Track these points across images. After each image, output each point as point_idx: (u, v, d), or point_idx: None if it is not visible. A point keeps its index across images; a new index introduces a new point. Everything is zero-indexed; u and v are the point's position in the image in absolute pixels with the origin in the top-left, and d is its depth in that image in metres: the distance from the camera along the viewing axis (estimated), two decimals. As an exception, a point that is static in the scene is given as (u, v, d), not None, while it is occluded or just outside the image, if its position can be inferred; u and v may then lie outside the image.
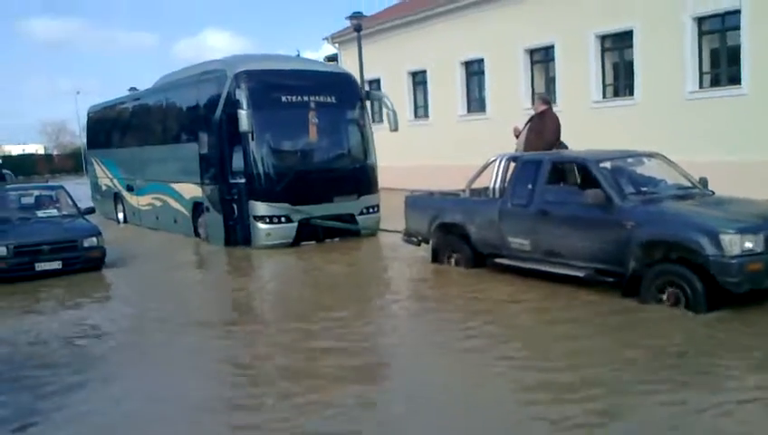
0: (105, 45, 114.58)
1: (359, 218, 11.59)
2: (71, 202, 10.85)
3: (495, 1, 17.43)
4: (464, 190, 8.81)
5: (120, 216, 16.46)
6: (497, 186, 8.11)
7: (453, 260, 8.67)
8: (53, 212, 10.56)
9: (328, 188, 11.27)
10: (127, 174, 15.82)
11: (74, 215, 10.57)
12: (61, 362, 5.80)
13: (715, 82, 13.37)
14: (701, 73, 13.40)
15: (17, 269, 9.17)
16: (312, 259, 10.17)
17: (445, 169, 15.11)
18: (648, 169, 7.47)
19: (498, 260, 8.02)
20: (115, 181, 16.63)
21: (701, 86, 13.41)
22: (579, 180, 7.55)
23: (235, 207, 11.33)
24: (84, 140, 61.19)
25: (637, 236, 6.36)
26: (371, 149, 12.00)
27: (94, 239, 9.75)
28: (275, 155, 11.09)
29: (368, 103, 12.40)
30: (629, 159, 7.51)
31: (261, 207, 10.87)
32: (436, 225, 8.76)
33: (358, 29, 16.34)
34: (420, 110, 20.81)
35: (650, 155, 7.61)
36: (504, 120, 16.53)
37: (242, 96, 10.47)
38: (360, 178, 11.71)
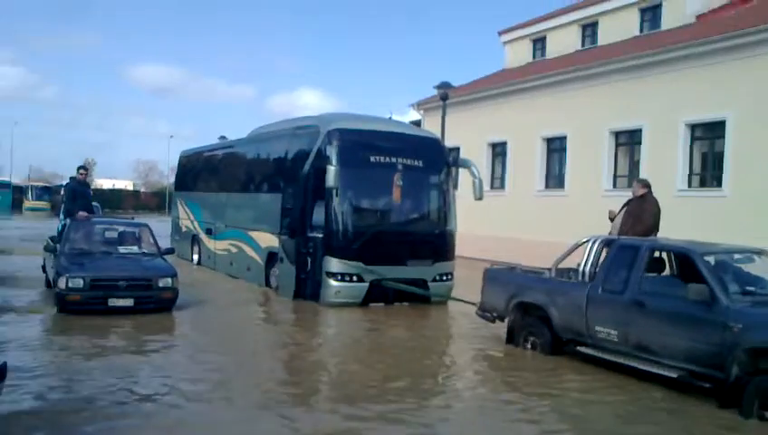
0: (204, 95, 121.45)
1: (431, 285, 11.31)
2: (152, 241, 10.84)
3: (584, 80, 17.45)
4: (549, 269, 8.41)
5: (195, 257, 16.79)
6: (587, 269, 7.67)
7: (530, 343, 8.20)
8: (134, 249, 10.59)
9: (403, 250, 11.10)
10: (208, 218, 16.21)
11: (154, 254, 10.54)
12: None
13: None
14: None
15: (91, 303, 9.12)
16: (380, 325, 9.91)
17: (518, 242, 14.87)
18: (756, 267, 6.89)
19: (580, 348, 7.50)
20: (195, 223, 17.06)
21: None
22: (678, 272, 7.05)
23: (309, 260, 11.28)
24: (171, 181, 63.81)
25: (743, 340, 5.79)
26: (452, 216, 11.80)
27: (169, 280, 9.64)
28: (356, 213, 11.06)
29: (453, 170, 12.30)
30: (736, 255, 6.97)
31: (335, 264, 10.77)
32: (515, 303, 8.35)
33: (444, 98, 16.75)
34: (497, 181, 20.70)
35: (759, 252, 7.05)
36: (582, 200, 16.99)
37: (332, 152, 10.59)
38: (437, 244, 11.50)
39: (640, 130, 15.95)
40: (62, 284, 9.01)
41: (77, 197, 11.40)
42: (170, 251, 11.59)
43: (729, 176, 13.89)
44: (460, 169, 13.83)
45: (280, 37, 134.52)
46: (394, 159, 11.16)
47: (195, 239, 16.99)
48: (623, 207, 9.09)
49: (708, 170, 14.75)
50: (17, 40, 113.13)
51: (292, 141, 12.34)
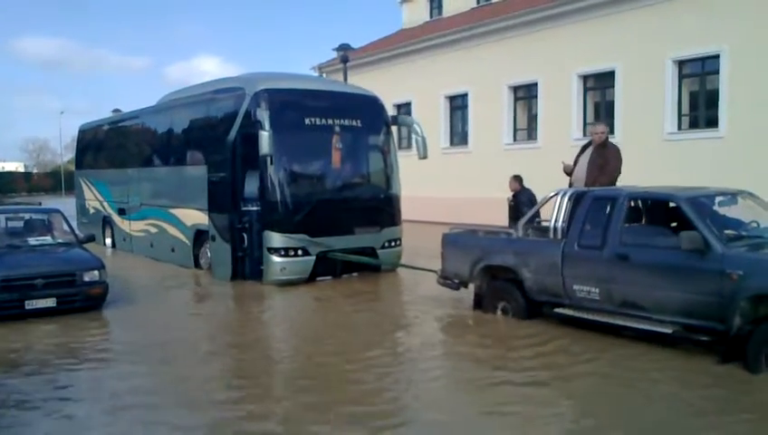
0: (96, 67, 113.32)
1: (380, 252, 10.60)
2: (67, 228, 9.38)
3: (481, 37, 17.68)
4: (514, 229, 7.88)
5: (108, 241, 15.30)
6: (559, 225, 7.17)
7: (500, 308, 7.68)
8: (47, 239, 8.98)
9: (349, 219, 10.31)
10: (119, 197, 14.69)
11: (71, 243, 9.04)
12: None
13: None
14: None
15: (5, 307, 7.65)
16: (337, 301, 9.10)
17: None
18: (740, 209, 6.60)
19: (558, 310, 7.06)
20: (105, 204, 15.47)
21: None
22: (659, 222, 6.67)
23: (245, 236, 10.28)
24: (66, 160, 59.51)
25: (745, 288, 5.45)
26: (396, 178, 11.09)
27: (96, 273, 8.25)
28: (295, 182, 10.11)
29: (394, 129, 11.49)
30: (719, 198, 6.64)
31: (277, 239, 9.81)
32: (482, 267, 7.79)
33: (344, 60, 17.17)
34: (404, 141, 19.47)
35: (739, 192, 6.76)
36: (485, 155, 17.06)
37: (263, 116, 9.50)
38: (384, 210, 10.78)
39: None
40: None
41: None
42: (91, 238, 9.96)
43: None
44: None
45: (174, 3, 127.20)
46: (331, 121, 10.26)
47: (106, 221, 15.42)
48: (578, 156, 8.67)
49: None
50: None
51: (213, 106, 11.12)
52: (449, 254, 8.31)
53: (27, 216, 9.61)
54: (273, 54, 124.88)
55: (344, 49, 17.18)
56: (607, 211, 6.75)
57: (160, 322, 8.19)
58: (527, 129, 17.84)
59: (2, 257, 8.17)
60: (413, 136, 11.12)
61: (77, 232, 9.58)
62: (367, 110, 10.92)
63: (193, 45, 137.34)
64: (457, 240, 8.37)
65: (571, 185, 8.36)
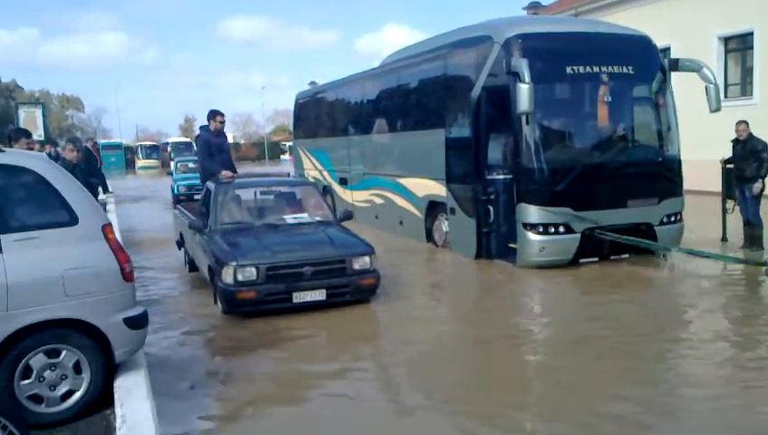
0: (293, 42, 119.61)
1: (657, 229, 8.63)
2: (323, 203, 8.21)
3: None
4: None
5: (329, 211, 14.86)
6: None
7: None
8: (304, 217, 7.73)
9: (621, 188, 8.44)
10: (341, 166, 14.11)
11: (330, 222, 7.75)
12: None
13: None
14: None
15: (271, 301, 6.48)
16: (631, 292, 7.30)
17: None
18: None
19: None
20: (325, 173, 15.03)
21: None
22: None
23: (491, 210, 8.91)
24: (267, 131, 63.69)
25: None
26: (676, 137, 8.98)
27: (367, 259, 6.86)
28: (556, 144, 8.49)
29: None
30: None
31: (534, 213, 8.27)
32: None
33: None
34: (734, 88, 16.28)
35: None
36: None
37: (520, 66, 7.88)
38: (663, 176, 8.76)
39: None
40: (227, 276, 6.42)
41: (213, 151, 9.06)
42: (349, 216, 8.19)
43: None
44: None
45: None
46: (597, 69, 8.41)
47: (326, 192, 14.98)
48: None
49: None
50: (119, 5, 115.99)
51: (451, 61, 9.76)
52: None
53: (280, 189, 8.43)
54: (459, 18, 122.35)
55: (534, 7, 15.77)
56: None
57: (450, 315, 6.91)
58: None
59: (261, 238, 6.98)
60: (704, 84, 8.78)
61: (334, 209, 8.58)
62: (639, 54, 8.85)
63: (380, 15, 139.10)
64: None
65: None
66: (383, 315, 6.90)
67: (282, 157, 55.62)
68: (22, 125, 25.79)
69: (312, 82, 17.24)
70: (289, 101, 17.34)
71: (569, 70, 8.33)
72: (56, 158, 7.91)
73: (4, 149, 4.63)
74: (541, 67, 8.09)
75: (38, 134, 28.10)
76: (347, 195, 13.81)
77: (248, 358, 5.57)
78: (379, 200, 12.32)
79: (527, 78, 7.78)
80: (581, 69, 8.35)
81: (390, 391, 4.85)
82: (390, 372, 5.25)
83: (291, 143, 35.65)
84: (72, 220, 4.25)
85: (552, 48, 8.41)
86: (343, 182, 13.98)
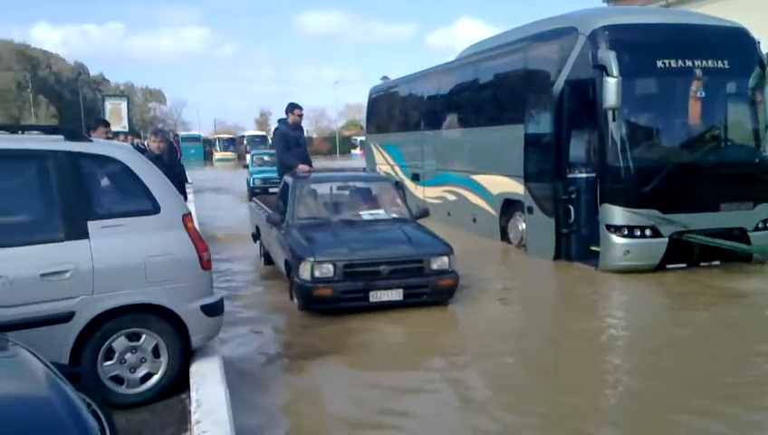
0: (367, 37, 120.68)
1: (751, 235, 8.08)
2: (399, 200, 7.98)
3: None
4: None
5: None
6: None
7: None
8: (380, 214, 7.57)
9: (713, 190, 7.95)
10: (412, 162, 13.99)
11: (406, 219, 7.54)
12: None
13: None
14: None
15: (347, 299, 6.33)
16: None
17: None
18: None
19: None
20: (397, 169, 14.94)
21: None
22: None
23: (572, 210, 8.58)
24: (339, 126, 64.45)
25: None
26: (773, 136, 8.40)
27: (445, 260, 6.60)
28: (644, 142, 8.08)
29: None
30: None
31: (619, 214, 7.89)
32: None
33: None
34: None
35: None
36: None
37: (607, 59, 7.55)
38: (759, 179, 8.18)
39: None
40: (304, 272, 6.30)
41: (291, 144, 9.06)
42: (425, 213, 7.96)
43: None
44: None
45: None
46: (690, 63, 7.93)
47: (398, 187, 14.87)
48: None
49: None
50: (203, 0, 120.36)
51: (532, 54, 9.44)
52: None
53: (356, 184, 8.33)
54: (536, 12, 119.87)
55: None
56: None
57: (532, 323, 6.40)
58: None
59: (338, 234, 6.89)
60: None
61: (409, 206, 8.29)
62: (735, 47, 8.30)
63: (455, 9, 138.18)
64: None
65: None
66: (462, 320, 6.63)
67: (352, 151, 56.03)
68: (107, 117, 27.01)
69: (385, 77, 17.16)
70: (360, 96, 17.50)
71: (659, 63, 7.88)
72: (142, 150, 8.09)
73: (91, 139, 4.75)
74: (629, 60, 7.72)
75: (122, 125, 29.39)
76: (419, 191, 13.67)
77: (321, 358, 5.38)
78: (451, 197, 12.13)
79: (615, 71, 7.46)
80: (673, 63, 7.89)
81: (471, 411, 4.36)
82: (470, 389, 4.72)
83: (361, 138, 36.15)
84: (155, 209, 4.32)
85: (642, 40, 8.00)
86: (415, 178, 13.86)
